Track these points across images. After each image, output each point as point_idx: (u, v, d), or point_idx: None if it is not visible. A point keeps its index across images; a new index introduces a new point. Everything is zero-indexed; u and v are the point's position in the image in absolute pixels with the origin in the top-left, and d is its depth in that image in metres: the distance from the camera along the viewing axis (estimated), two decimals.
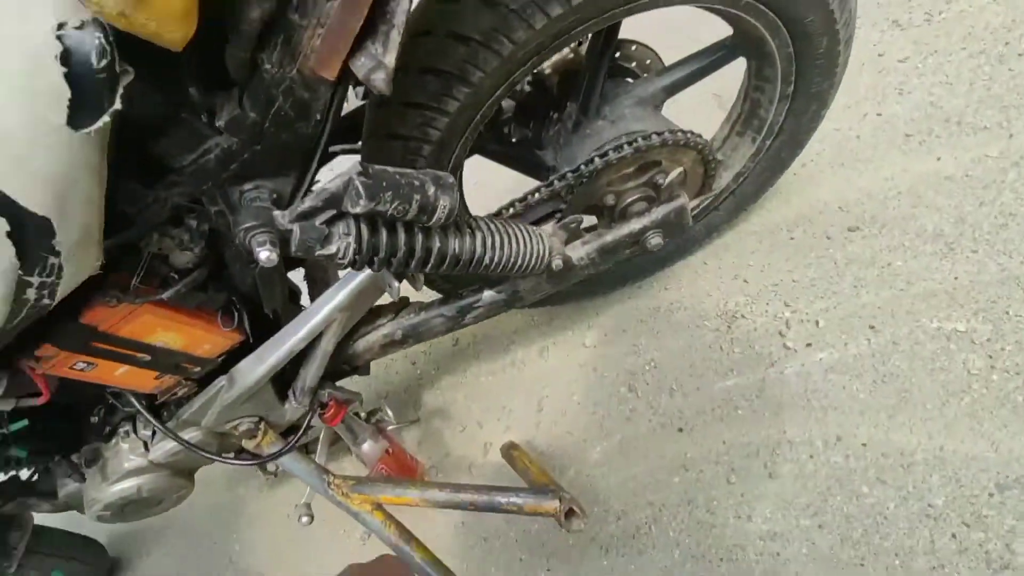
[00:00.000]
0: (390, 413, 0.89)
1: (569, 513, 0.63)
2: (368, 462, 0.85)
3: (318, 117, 0.50)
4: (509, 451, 0.82)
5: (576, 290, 1.01)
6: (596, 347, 1.05)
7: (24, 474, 0.97)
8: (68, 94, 0.37)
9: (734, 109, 0.97)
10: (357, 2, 0.42)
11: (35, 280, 0.48)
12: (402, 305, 0.85)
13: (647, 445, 0.91)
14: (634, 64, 0.88)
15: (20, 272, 0.46)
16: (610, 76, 0.85)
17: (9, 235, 0.43)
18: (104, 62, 0.37)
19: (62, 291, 0.51)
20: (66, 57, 0.36)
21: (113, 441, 0.85)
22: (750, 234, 1.05)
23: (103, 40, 0.37)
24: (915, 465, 0.76)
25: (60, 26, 0.36)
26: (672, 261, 1.12)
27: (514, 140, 0.92)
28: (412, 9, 0.45)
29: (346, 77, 0.46)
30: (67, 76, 0.36)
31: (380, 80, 0.45)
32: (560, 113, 0.85)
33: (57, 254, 0.46)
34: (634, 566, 0.84)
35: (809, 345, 0.88)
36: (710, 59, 0.82)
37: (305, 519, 0.81)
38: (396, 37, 0.45)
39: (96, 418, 0.85)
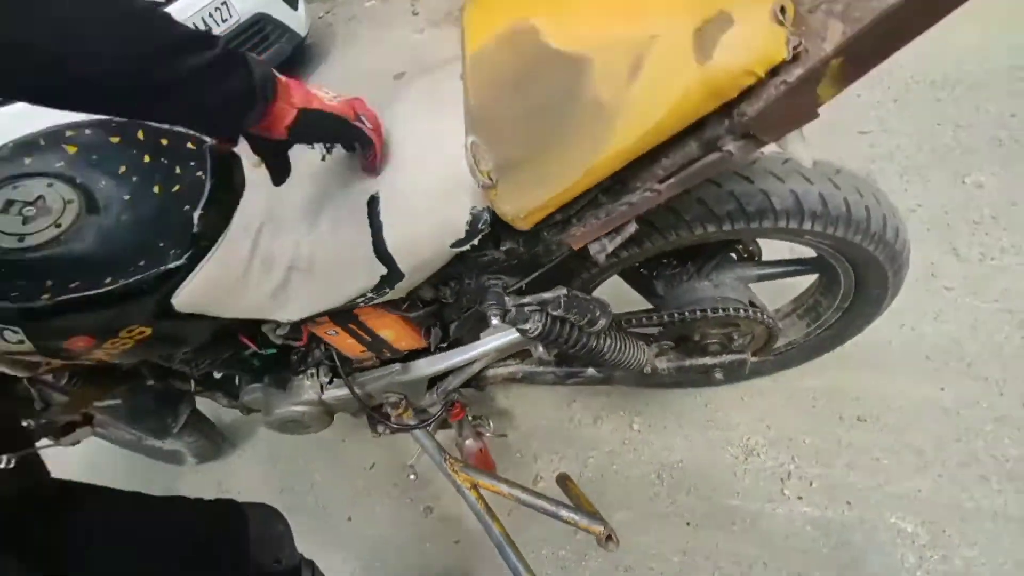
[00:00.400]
0: (491, 424, 1.22)
1: (608, 538, 0.93)
2: (465, 454, 1.17)
3: (553, 257, 0.84)
4: (564, 481, 1.12)
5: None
6: (640, 432, 1.35)
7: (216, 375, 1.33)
8: (461, 236, 0.72)
9: (802, 297, 1.28)
10: (610, 224, 0.75)
11: (370, 295, 0.83)
12: (528, 355, 1.18)
13: (660, 525, 1.21)
14: (741, 247, 1.20)
15: (368, 292, 0.81)
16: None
17: (383, 277, 0.78)
18: (484, 226, 0.72)
19: (375, 303, 0.86)
20: (469, 222, 0.71)
21: (299, 376, 1.20)
22: (784, 389, 1.34)
23: (488, 217, 0.72)
24: None
25: (473, 208, 0.71)
26: (720, 384, 1.42)
27: (637, 266, 1.25)
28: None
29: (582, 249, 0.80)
30: (467, 231, 0.71)
31: (601, 258, 0.78)
32: (680, 263, 1.17)
33: (392, 289, 0.81)
34: None
35: (800, 498, 1.17)
36: (795, 268, 1.13)
37: (413, 476, 1.14)
38: (619, 239, 0.78)
39: (295, 356, 1.20)
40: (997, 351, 1.24)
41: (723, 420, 1.33)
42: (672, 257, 1.17)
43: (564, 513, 0.96)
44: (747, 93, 0.57)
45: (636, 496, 1.27)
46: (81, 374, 1.11)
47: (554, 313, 0.85)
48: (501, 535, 0.97)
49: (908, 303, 1.37)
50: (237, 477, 1.62)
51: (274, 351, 1.08)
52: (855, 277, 1.05)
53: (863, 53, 0.52)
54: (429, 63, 1.00)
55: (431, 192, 0.74)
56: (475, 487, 1.02)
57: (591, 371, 1.13)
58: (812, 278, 1.22)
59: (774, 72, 0.56)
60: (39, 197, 0.75)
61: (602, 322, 0.89)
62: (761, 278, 1.15)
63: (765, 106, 0.57)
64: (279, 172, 0.77)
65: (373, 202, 0.77)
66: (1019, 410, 1.16)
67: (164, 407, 1.36)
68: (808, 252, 1.10)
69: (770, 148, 0.65)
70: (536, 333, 0.87)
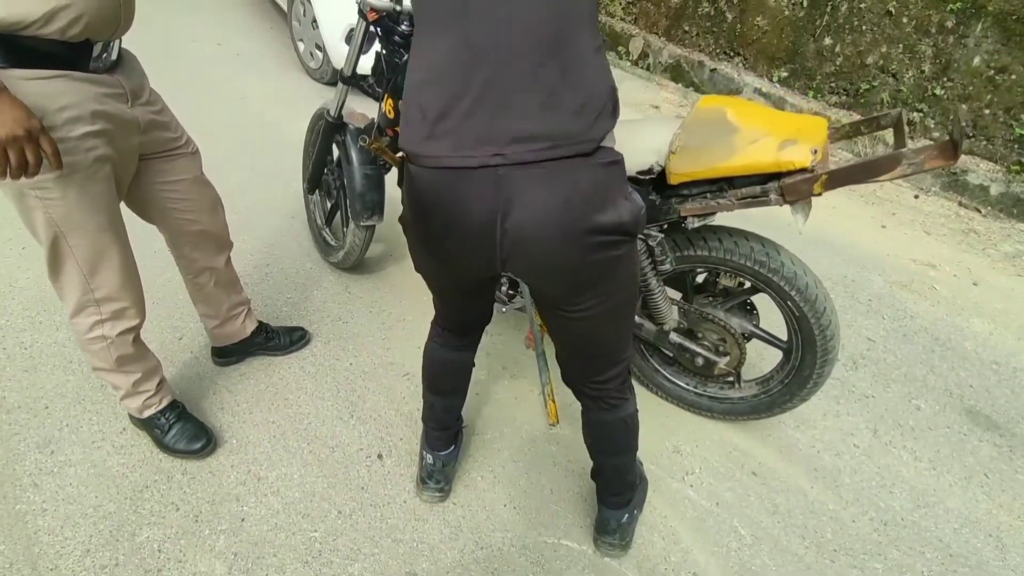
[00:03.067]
0: None
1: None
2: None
3: (667, 217, 1.58)
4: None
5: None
6: None
7: None
8: (645, 169, 1.49)
9: (765, 373, 1.90)
10: (703, 210, 1.50)
11: None
12: None
13: None
14: (750, 307, 1.86)
15: None
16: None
17: None
18: (656, 170, 1.49)
19: None
20: (652, 164, 1.49)
21: None
22: (721, 429, 1.93)
23: (659, 169, 1.49)
24: None
25: (657, 160, 1.49)
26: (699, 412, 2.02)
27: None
28: None
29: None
30: (648, 168, 1.49)
31: (689, 225, 1.53)
32: (712, 296, 1.85)
33: None
34: None
35: (691, 486, 1.74)
36: (774, 340, 1.78)
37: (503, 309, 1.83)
38: (700, 223, 1.53)
39: None
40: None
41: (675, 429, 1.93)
42: (708, 291, 1.86)
43: None
44: (787, 174, 1.35)
45: None
46: None
47: (649, 243, 1.58)
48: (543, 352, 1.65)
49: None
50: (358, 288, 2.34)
51: None
52: (800, 356, 1.70)
53: (836, 179, 1.30)
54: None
55: (639, 148, 1.52)
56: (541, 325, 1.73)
57: (648, 324, 1.82)
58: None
59: (802, 171, 1.33)
60: None
61: (666, 267, 1.60)
62: (752, 335, 1.81)
63: (791, 182, 1.35)
64: None
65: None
66: None
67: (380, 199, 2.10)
68: (783, 336, 1.77)
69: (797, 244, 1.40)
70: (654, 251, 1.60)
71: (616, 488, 1.51)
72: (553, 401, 1.68)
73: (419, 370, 1.98)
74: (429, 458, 1.64)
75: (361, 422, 1.88)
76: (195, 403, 1.86)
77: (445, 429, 1.63)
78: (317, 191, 2.45)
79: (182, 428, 1.70)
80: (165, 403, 1.70)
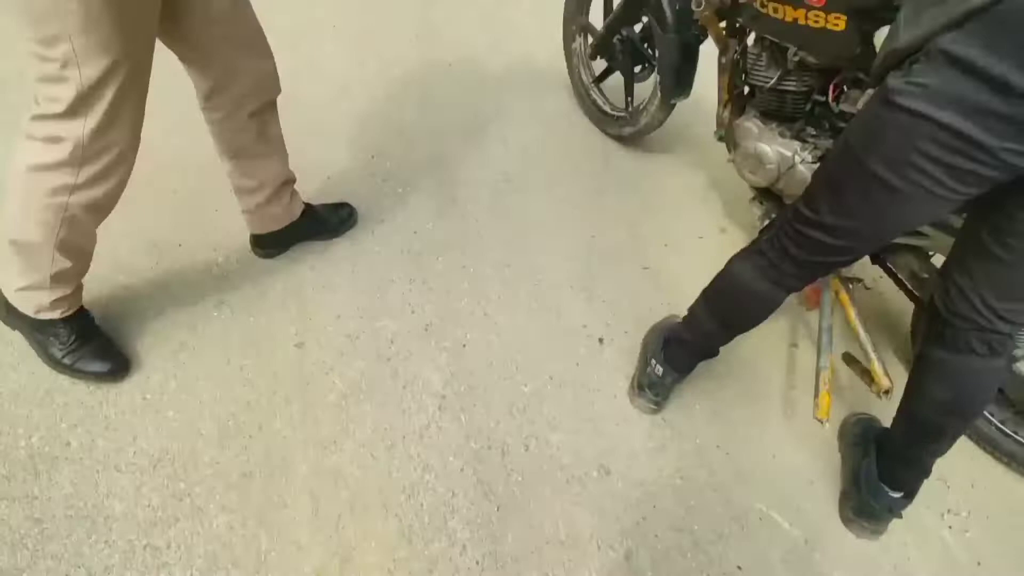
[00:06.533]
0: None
1: (886, 392, 1.32)
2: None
3: None
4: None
5: None
6: None
7: None
8: None
9: None
10: None
11: None
12: None
13: None
14: None
15: None
16: None
17: None
18: None
19: None
20: None
21: None
22: None
23: None
24: None
25: None
26: None
27: None
28: None
29: None
30: None
31: None
32: None
33: None
34: None
35: None
36: None
37: None
38: None
39: None
40: None
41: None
42: None
43: (872, 355, 1.37)
44: None
45: None
46: None
47: None
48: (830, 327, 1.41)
49: None
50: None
51: None
52: None
53: None
54: None
55: None
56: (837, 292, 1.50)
57: None
58: None
59: None
60: None
61: None
62: None
63: None
64: None
65: None
66: None
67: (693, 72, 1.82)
68: None
69: None
70: None
71: (928, 464, 1.26)
72: (828, 393, 1.39)
73: (659, 266, 1.82)
74: (659, 370, 1.46)
75: (591, 300, 1.77)
76: None
77: (702, 357, 1.45)
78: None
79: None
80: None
